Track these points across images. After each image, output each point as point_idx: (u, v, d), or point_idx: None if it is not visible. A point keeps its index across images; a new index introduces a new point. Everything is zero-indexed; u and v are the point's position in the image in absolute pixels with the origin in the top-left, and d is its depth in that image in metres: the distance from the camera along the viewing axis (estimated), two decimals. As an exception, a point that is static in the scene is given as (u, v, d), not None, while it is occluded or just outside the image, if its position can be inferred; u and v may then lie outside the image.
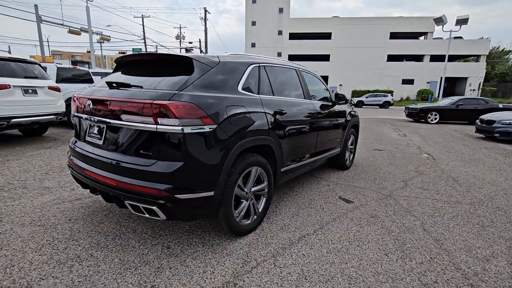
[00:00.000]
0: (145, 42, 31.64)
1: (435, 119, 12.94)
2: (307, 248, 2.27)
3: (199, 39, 36.28)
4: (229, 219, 2.21)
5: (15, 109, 5.08)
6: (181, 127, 1.81)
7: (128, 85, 2.09)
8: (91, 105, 2.19)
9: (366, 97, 27.12)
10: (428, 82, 35.33)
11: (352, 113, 4.61)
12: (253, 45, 38.80)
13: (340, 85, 36.81)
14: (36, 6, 17.13)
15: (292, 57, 37.83)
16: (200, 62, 2.15)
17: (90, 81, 8.24)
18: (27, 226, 2.44)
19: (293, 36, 37.72)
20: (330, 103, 3.90)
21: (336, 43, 36.40)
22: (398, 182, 4.22)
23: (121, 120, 1.96)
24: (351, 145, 4.81)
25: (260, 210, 2.58)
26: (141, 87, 2.03)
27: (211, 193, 2.00)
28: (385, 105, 26.21)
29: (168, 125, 1.80)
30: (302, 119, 3.09)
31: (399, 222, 2.83)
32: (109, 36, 23.85)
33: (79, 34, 20.94)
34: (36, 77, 5.61)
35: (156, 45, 34.13)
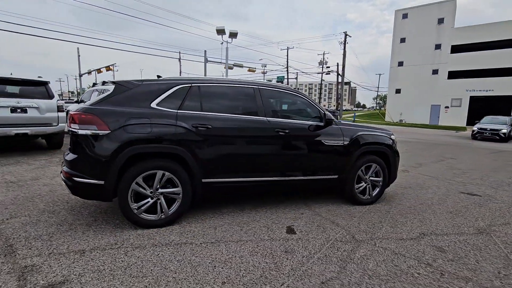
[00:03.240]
0: (287, 70, 35.33)
1: None
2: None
3: (337, 63, 36.36)
4: (125, 209, 2.73)
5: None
6: (78, 130, 2.58)
7: (83, 101, 3.11)
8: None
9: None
10: None
11: (372, 139, 3.83)
12: (400, 64, 34.69)
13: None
14: (205, 51, 23.49)
15: (455, 74, 30.89)
16: (121, 85, 2.88)
17: None
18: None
19: (456, 49, 30.86)
20: (312, 123, 3.54)
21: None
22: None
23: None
24: (376, 176, 3.94)
25: (172, 211, 2.91)
26: (84, 101, 2.99)
27: (101, 182, 2.63)
28: None
29: (72, 128, 2.63)
30: (239, 134, 3.13)
31: None
32: (255, 68, 28.62)
33: (231, 68, 26.49)
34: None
35: (297, 72, 37.26)
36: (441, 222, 3.42)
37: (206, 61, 23.12)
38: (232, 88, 3.32)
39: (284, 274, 2.18)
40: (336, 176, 3.70)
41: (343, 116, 34.61)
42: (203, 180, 3.01)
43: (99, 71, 28.28)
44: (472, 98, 30.72)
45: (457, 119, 31.07)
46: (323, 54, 41.01)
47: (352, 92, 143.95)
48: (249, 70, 28.63)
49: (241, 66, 26.95)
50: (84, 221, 2.97)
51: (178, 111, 2.95)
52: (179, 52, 39.63)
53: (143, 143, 2.74)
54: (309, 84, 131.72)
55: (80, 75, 31.17)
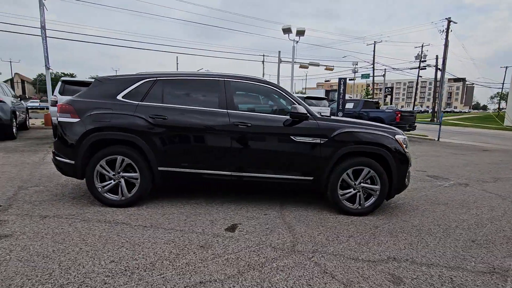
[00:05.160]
0: (373, 67, 32.10)
1: None
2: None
3: (436, 56, 30.60)
4: (91, 187, 3.15)
5: None
6: (58, 117, 3.14)
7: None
8: None
9: None
10: None
11: (364, 136, 3.22)
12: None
13: None
14: (279, 52, 23.74)
15: None
16: (98, 80, 3.32)
17: None
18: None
19: None
20: (281, 117, 3.23)
21: None
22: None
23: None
24: (372, 183, 3.30)
25: (131, 194, 3.19)
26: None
27: (72, 162, 3.12)
28: None
29: (57, 116, 3.21)
30: (195, 126, 3.15)
31: None
32: (333, 66, 27.14)
33: (307, 67, 25.93)
34: None
35: (385, 68, 33.23)
36: (441, 250, 2.60)
37: (279, 61, 23.36)
38: (197, 81, 3.37)
39: (172, 267, 2.12)
40: (311, 178, 3.27)
41: (442, 119, 28.97)
42: (159, 168, 3.18)
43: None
44: None
45: None
46: (422, 46, 35.42)
47: (468, 90, 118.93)
48: (326, 69, 27.43)
49: (317, 65, 26.07)
50: (74, 195, 3.57)
51: (139, 102, 3.20)
52: (263, 55, 41.30)
53: (104, 131, 3.10)
54: (409, 82, 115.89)
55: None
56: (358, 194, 3.30)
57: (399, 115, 11.72)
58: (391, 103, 39.49)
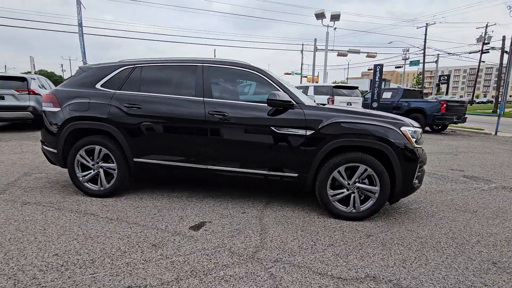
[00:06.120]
0: (424, 52, 28.90)
1: None
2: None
3: (503, 36, 26.18)
4: (72, 176, 3.17)
5: None
6: (44, 107, 3.19)
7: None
8: None
9: None
10: None
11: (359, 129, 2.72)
12: None
13: None
14: (315, 39, 22.59)
15: None
16: (81, 69, 3.29)
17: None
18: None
19: None
20: (262, 106, 2.87)
21: None
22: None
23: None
24: (370, 184, 2.80)
25: (110, 184, 3.14)
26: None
27: (55, 151, 3.16)
28: None
29: (42, 105, 3.27)
30: (169, 116, 2.96)
31: None
32: (375, 53, 25.04)
33: (345, 55, 24.33)
34: None
35: (438, 54, 29.53)
36: (443, 272, 2.07)
37: (315, 49, 22.27)
38: (175, 68, 3.15)
39: (110, 266, 1.97)
40: (295, 175, 2.88)
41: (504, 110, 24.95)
42: (135, 159, 3.07)
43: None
44: None
45: None
46: (486, 26, 30.81)
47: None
48: (368, 56, 25.49)
49: (357, 52, 24.35)
50: (66, 183, 3.66)
51: (116, 91, 3.10)
52: (302, 44, 39.87)
53: (81, 120, 3.07)
54: (470, 69, 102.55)
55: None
56: (352, 195, 2.83)
57: (445, 105, 10.27)
58: (446, 93, 35.21)
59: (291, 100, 2.82)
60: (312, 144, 2.79)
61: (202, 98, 2.97)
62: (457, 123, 11.17)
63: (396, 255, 2.26)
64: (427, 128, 11.88)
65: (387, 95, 12.59)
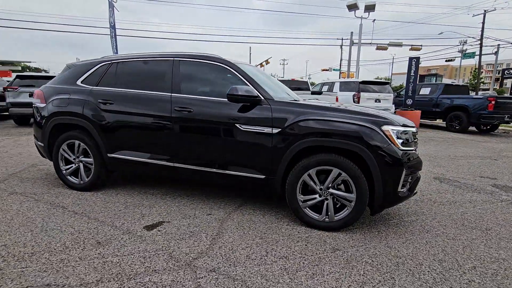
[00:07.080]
0: (481, 43, 25.59)
1: None
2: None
3: None
4: (57, 169, 3.31)
5: None
6: (34, 103, 3.37)
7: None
8: None
9: None
10: None
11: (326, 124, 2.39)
12: None
13: None
14: (351, 33, 21.31)
15: None
16: (67, 66, 3.40)
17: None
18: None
19: None
20: (227, 101, 2.66)
21: None
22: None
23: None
24: (347, 190, 2.46)
25: (88, 179, 3.22)
26: None
27: (42, 144, 3.32)
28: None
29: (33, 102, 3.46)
30: (138, 111, 2.92)
31: None
32: (421, 45, 22.81)
33: (386, 49, 22.62)
34: None
35: (498, 44, 25.82)
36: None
37: (351, 43, 21.04)
38: (150, 63, 3.10)
39: (44, 261, 1.96)
40: (262, 177, 2.64)
41: None
42: (109, 155, 3.09)
43: (261, 65, 32.51)
44: None
45: None
46: None
47: None
48: (412, 49, 23.35)
49: (399, 45, 22.47)
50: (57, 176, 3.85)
51: (93, 87, 3.14)
52: (342, 39, 38.08)
53: (61, 115, 3.18)
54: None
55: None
56: (325, 202, 2.50)
57: (493, 102, 8.92)
58: None
59: (258, 95, 2.58)
60: (278, 144, 2.52)
61: (169, 94, 2.87)
62: (510, 123, 9.65)
63: (356, 276, 1.92)
64: (473, 128, 10.49)
65: (425, 91, 11.38)
